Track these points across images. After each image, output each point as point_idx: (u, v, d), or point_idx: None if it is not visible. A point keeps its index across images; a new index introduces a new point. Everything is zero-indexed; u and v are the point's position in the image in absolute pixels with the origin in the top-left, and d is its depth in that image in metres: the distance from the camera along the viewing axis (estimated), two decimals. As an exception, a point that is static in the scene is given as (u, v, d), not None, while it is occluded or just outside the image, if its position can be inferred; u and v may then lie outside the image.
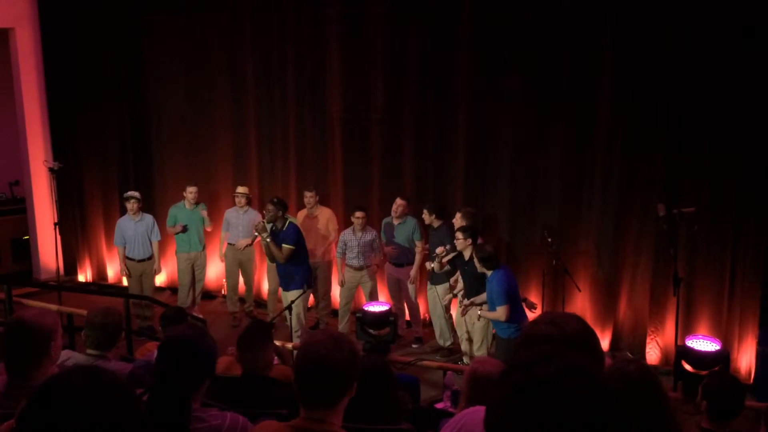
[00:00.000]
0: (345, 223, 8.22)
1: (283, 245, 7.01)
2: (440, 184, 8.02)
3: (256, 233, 7.06)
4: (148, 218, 8.30)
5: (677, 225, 6.36)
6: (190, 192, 8.40)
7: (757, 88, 6.34)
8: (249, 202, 8.46)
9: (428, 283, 7.61)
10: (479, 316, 6.53)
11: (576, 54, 7.11)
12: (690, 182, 6.73)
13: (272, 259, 7.24)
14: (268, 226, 7.10)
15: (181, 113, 9.44)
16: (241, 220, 8.40)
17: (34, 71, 9.83)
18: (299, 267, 7.18)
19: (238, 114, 9.08)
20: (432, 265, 7.13)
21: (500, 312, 6.09)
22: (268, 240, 7.00)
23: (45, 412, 1.39)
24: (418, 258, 7.72)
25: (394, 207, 7.65)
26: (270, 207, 7.10)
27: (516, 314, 6.14)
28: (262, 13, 8.67)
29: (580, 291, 7.18)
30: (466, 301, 6.63)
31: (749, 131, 6.44)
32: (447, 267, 6.98)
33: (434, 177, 8.05)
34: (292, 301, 7.00)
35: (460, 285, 6.94)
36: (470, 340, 6.92)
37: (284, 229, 7.08)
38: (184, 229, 8.38)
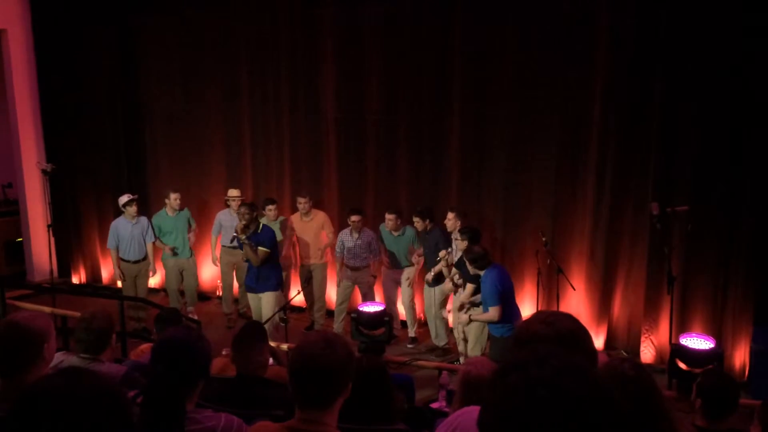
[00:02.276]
0: (340, 225, 8.21)
1: (260, 248, 7.00)
2: (435, 185, 8.03)
3: (235, 234, 7.03)
4: (144, 220, 8.28)
5: (671, 223, 6.38)
6: (174, 198, 8.31)
7: (751, 86, 6.36)
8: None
9: (425, 284, 7.62)
10: (469, 319, 6.53)
11: (570, 54, 7.12)
12: (683, 180, 6.75)
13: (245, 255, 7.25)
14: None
15: (175, 115, 9.42)
16: (235, 222, 8.35)
17: (27, 73, 9.80)
18: (275, 269, 7.24)
19: (232, 116, 9.07)
20: (434, 270, 7.17)
21: (492, 313, 6.08)
22: (246, 242, 6.96)
23: (29, 414, 1.39)
24: (417, 261, 7.74)
25: (386, 222, 7.65)
26: (245, 210, 7.03)
27: (509, 313, 6.13)
28: (256, 15, 8.66)
29: (574, 290, 7.19)
30: (464, 300, 6.64)
31: (743, 129, 6.45)
32: (455, 270, 6.99)
33: (429, 177, 8.06)
34: (287, 302, 6.99)
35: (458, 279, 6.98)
36: (466, 341, 6.92)
37: (259, 231, 7.07)
38: (174, 252, 8.33)
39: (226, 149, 9.18)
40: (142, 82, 9.60)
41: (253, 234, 7.02)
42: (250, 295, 7.36)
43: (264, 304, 7.20)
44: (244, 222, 7.00)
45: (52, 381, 1.43)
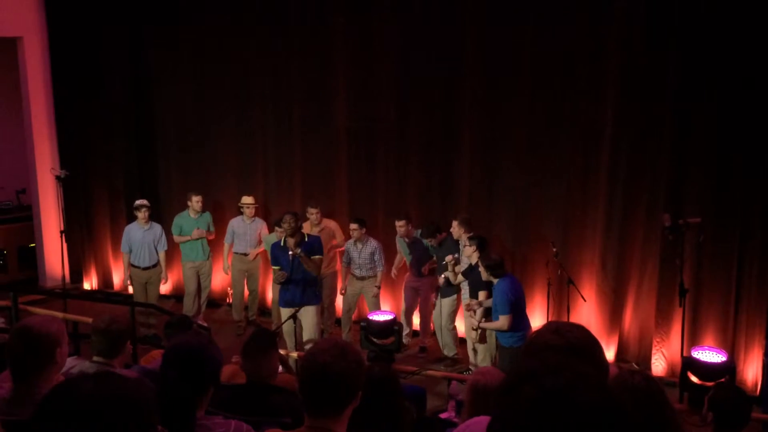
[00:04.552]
0: (349, 235, 8.21)
1: (314, 257, 6.76)
2: (446, 194, 8.03)
3: (291, 253, 6.68)
4: (157, 227, 8.33)
5: (683, 235, 6.35)
6: (196, 201, 8.40)
7: (762, 95, 6.34)
8: (255, 212, 8.49)
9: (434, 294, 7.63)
10: (478, 327, 6.52)
11: (582, 61, 7.13)
12: (695, 192, 6.72)
13: (277, 280, 6.89)
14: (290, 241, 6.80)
15: (188, 122, 9.47)
16: (248, 230, 8.42)
17: (42, 79, 9.89)
18: (316, 279, 7.02)
19: (244, 123, 9.10)
20: (446, 275, 7.15)
21: (502, 321, 6.09)
22: (302, 255, 6.64)
23: (56, 416, 1.39)
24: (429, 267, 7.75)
25: (397, 230, 7.64)
26: (289, 218, 6.75)
27: (520, 323, 6.13)
28: (269, 23, 8.71)
29: (585, 301, 7.16)
30: (473, 302, 6.61)
31: (755, 139, 6.43)
32: (460, 277, 6.99)
33: (439, 186, 8.06)
34: (296, 311, 6.88)
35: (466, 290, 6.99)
36: (476, 351, 6.91)
37: (307, 240, 6.83)
38: (209, 228, 8.47)
39: (238, 156, 9.22)
40: (156, 89, 9.67)
41: (300, 243, 6.73)
42: (285, 309, 6.94)
43: (307, 317, 6.89)
44: (288, 232, 6.71)
45: (80, 383, 1.43)
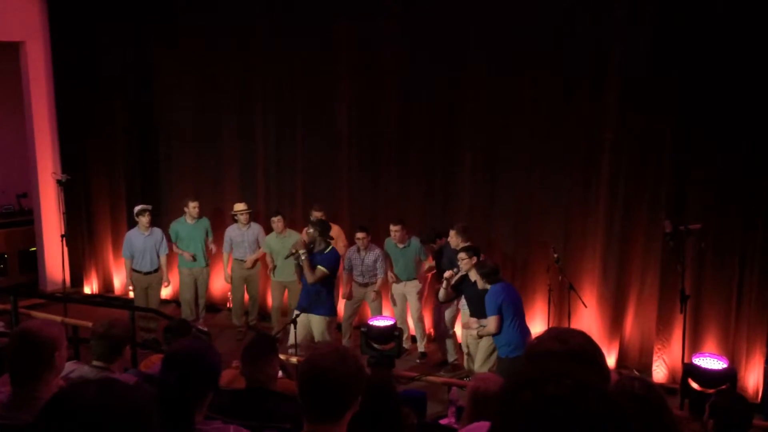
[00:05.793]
0: (350, 241, 8.20)
1: (318, 267, 6.74)
2: (447, 201, 8.03)
3: (294, 250, 6.77)
4: (157, 232, 8.32)
5: (684, 241, 6.34)
6: (193, 207, 8.36)
7: (765, 102, 6.34)
8: (250, 218, 8.45)
9: (435, 301, 7.61)
10: (478, 335, 6.51)
11: (585, 67, 7.14)
12: (696, 198, 6.72)
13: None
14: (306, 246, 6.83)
15: (190, 127, 9.48)
16: (246, 237, 8.38)
17: (44, 84, 9.91)
18: (330, 293, 6.98)
19: (246, 130, 9.12)
20: (441, 291, 7.13)
21: (490, 323, 6.09)
22: (303, 257, 6.69)
23: (56, 424, 1.38)
24: (424, 274, 7.72)
25: (392, 234, 7.63)
26: (311, 227, 6.86)
27: (516, 332, 6.09)
28: (272, 30, 8.73)
29: (586, 307, 7.14)
30: (472, 321, 6.59)
31: (757, 146, 6.43)
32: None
33: (441, 194, 8.06)
34: (297, 315, 6.88)
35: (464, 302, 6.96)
36: (470, 355, 6.89)
37: (325, 252, 6.84)
38: (193, 258, 8.36)
39: (240, 162, 9.22)
40: (158, 95, 9.69)
41: (316, 251, 6.77)
42: (304, 315, 6.90)
43: (314, 326, 6.91)
44: (309, 238, 6.76)
45: (83, 390, 1.43)
